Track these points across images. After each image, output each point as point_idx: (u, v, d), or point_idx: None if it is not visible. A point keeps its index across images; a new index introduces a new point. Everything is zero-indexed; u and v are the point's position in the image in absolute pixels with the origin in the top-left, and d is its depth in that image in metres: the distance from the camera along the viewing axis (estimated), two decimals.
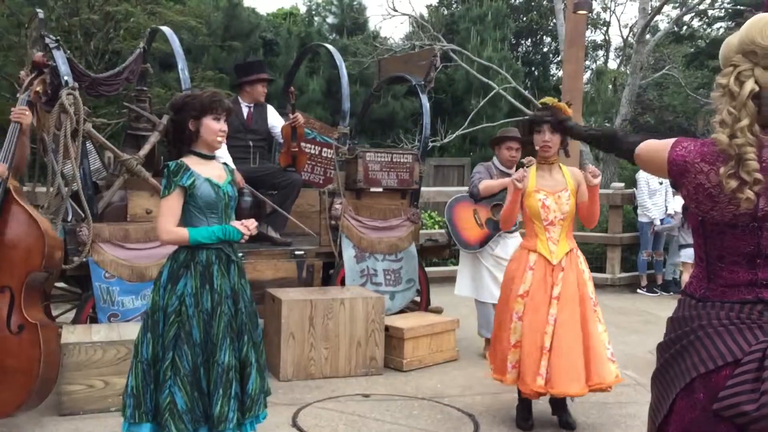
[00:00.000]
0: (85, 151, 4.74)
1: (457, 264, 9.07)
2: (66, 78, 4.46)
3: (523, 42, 21.50)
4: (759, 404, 1.63)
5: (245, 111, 5.68)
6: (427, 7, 20.85)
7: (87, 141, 4.76)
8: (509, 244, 5.28)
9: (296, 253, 5.41)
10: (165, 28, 5.35)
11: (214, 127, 3.13)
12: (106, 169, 5.37)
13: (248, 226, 3.15)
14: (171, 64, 9.88)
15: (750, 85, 1.74)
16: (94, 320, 4.64)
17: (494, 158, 5.43)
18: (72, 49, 9.70)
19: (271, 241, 5.48)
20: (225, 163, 3.32)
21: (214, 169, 3.16)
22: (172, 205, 3.04)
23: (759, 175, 1.71)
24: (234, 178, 3.29)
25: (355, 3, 19.16)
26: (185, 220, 3.10)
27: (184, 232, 3.04)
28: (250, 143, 5.49)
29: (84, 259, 4.56)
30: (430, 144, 8.53)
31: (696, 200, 1.83)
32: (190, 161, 3.09)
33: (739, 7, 16.27)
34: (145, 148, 4.90)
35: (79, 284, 4.96)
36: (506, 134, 5.40)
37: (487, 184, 5.13)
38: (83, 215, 4.57)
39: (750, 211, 1.75)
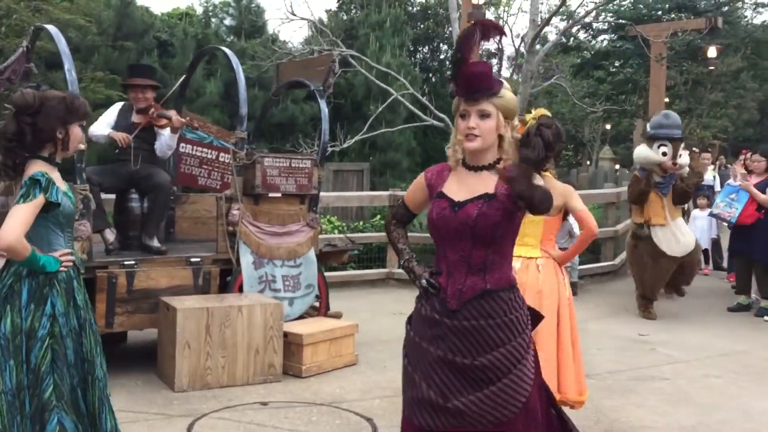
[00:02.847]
0: None
1: (356, 269, 9.15)
2: None
3: (420, 49, 21.92)
4: None
5: (134, 115, 5.52)
6: (327, 11, 20.90)
7: None
8: None
9: (192, 260, 5.29)
10: (50, 27, 5.11)
11: (80, 135, 2.99)
12: None
13: (65, 257, 2.90)
14: (58, 63, 9.43)
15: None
16: None
17: None
18: None
19: (148, 250, 5.31)
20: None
21: (59, 177, 2.94)
22: (30, 214, 2.74)
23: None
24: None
25: (253, 5, 18.94)
26: (40, 236, 2.85)
27: (28, 248, 2.76)
28: (132, 144, 5.34)
29: None
30: (330, 149, 8.54)
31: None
32: (45, 169, 2.84)
33: (621, 21, 17.23)
34: None
35: None
36: None
37: None
38: None
39: None
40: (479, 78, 2.42)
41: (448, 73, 2.33)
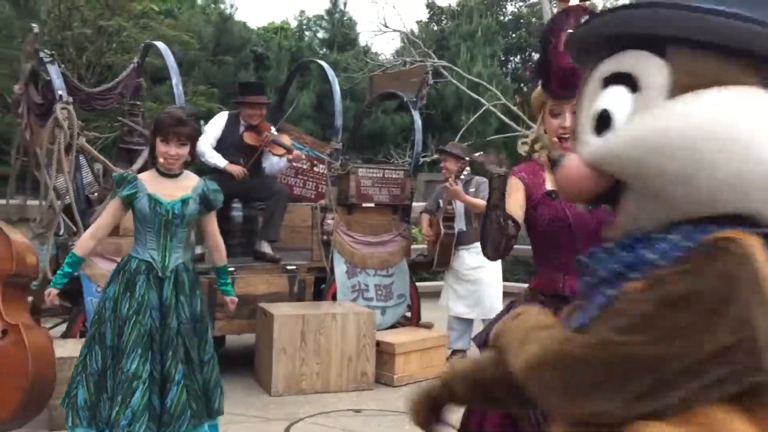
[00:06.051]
0: (78, 165, 4.76)
1: None
2: (60, 92, 4.48)
3: (512, 58, 21.68)
4: None
5: (242, 129, 5.57)
6: (418, 23, 21.02)
7: (80, 155, 4.77)
8: (462, 257, 5.50)
9: (288, 267, 5.42)
10: (159, 44, 5.37)
11: (160, 149, 3.18)
12: (98, 182, 5.37)
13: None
14: (162, 77, 9.92)
15: None
16: (85, 335, 4.61)
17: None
18: (64, 63, 9.70)
19: (263, 257, 5.44)
20: (205, 180, 3.36)
21: (168, 187, 3.20)
22: (106, 212, 3.27)
23: None
24: (211, 196, 3.31)
25: (345, 18, 19.29)
26: (135, 228, 3.28)
27: (83, 247, 3.27)
28: (240, 160, 5.47)
29: (76, 273, 4.54)
30: (421, 159, 8.59)
31: None
32: (148, 175, 3.26)
33: None
34: (138, 162, 4.91)
35: (69, 298, 4.94)
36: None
37: None
38: (75, 229, 4.57)
39: None
40: (575, 74, 2.12)
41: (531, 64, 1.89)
